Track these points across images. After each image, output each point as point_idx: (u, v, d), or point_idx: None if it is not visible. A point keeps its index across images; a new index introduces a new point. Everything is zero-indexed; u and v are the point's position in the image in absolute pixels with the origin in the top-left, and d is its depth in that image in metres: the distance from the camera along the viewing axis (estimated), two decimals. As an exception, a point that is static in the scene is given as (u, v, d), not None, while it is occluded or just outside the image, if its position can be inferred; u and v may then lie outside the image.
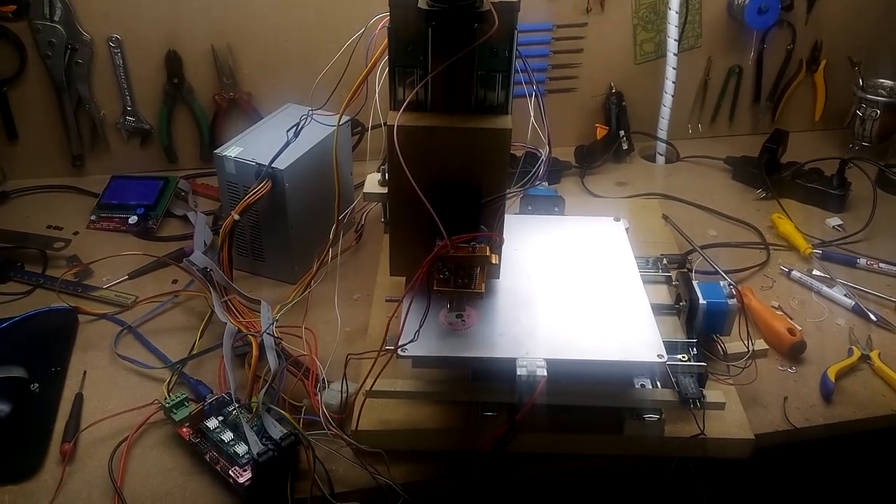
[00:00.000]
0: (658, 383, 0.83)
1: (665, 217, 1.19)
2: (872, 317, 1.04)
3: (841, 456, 0.99)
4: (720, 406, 0.81)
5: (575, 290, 0.88)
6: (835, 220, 1.25)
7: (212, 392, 0.87)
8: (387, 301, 0.95)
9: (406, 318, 0.75)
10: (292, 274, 1.06)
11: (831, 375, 0.93)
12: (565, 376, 0.77)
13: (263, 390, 0.81)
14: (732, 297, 0.89)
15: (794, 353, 0.97)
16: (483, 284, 0.76)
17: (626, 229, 0.99)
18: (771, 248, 1.18)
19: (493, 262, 0.74)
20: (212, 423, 0.82)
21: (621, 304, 0.86)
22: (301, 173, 1.01)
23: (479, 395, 0.81)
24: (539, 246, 0.95)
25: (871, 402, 0.92)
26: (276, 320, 0.89)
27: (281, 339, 0.89)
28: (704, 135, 1.49)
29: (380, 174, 0.83)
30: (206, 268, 0.95)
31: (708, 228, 1.23)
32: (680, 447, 0.82)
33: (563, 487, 0.91)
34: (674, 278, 0.96)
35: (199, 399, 0.86)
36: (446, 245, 0.72)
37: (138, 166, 1.30)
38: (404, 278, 0.87)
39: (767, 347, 0.97)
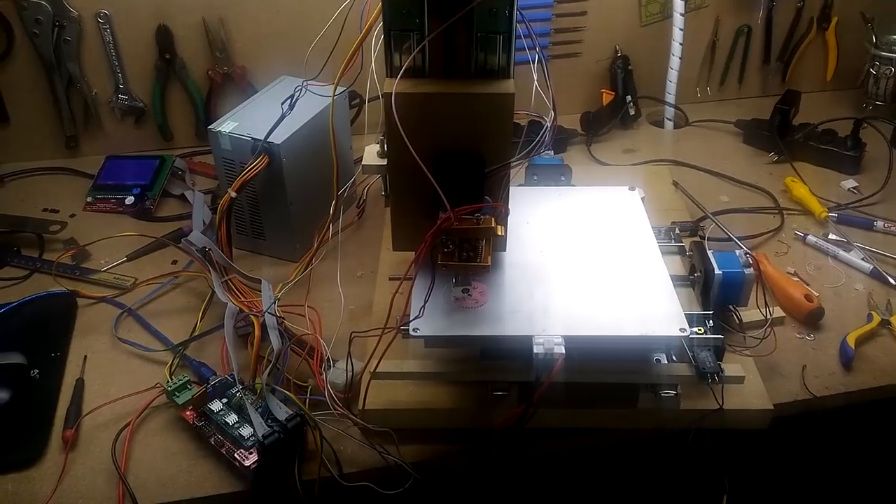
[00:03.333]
0: (674, 357, 0.80)
1: (675, 184, 1.16)
2: (892, 280, 1.01)
3: (860, 423, 0.96)
4: (739, 380, 0.79)
5: (590, 264, 0.85)
6: (850, 183, 1.22)
7: (215, 374, 0.85)
8: (390, 280, 0.92)
9: (411, 294, 0.72)
10: (293, 252, 1.03)
11: (851, 342, 0.90)
12: (581, 353, 0.74)
13: (267, 371, 0.79)
14: (749, 266, 0.86)
15: (811, 319, 0.95)
16: (489, 257, 0.74)
17: (642, 199, 0.96)
18: (785, 212, 1.15)
19: (499, 233, 0.72)
20: (215, 405, 0.80)
21: (639, 276, 0.83)
22: (298, 147, 0.98)
23: (490, 375, 0.78)
24: (551, 218, 0.93)
25: (892, 369, 0.90)
26: (278, 299, 0.87)
27: (283, 318, 0.87)
28: (713, 98, 1.44)
29: (378, 145, 0.80)
30: (206, 247, 0.92)
31: (720, 194, 1.19)
32: (697, 420, 0.79)
33: (576, 462, 0.89)
34: (688, 248, 0.92)
35: (202, 381, 0.84)
36: (449, 217, 0.69)
37: (133, 146, 1.27)
38: (411, 255, 0.84)
39: (784, 315, 0.95)
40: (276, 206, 1.00)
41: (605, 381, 0.78)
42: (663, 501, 1.00)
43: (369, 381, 0.77)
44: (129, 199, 1.15)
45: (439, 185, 0.68)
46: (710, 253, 0.87)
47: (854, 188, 1.21)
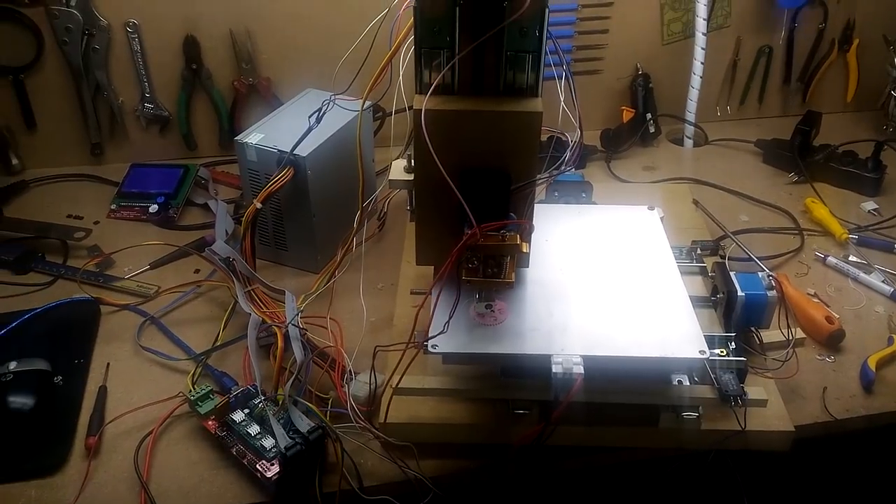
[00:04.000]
0: (696, 379, 0.80)
1: (695, 202, 1.16)
2: (913, 303, 1.01)
3: (881, 446, 0.96)
4: (762, 403, 0.79)
5: (609, 283, 0.85)
6: (870, 205, 1.21)
7: (237, 384, 0.86)
8: (412, 293, 0.92)
9: (435, 309, 0.73)
10: (315, 263, 1.04)
11: (872, 365, 0.90)
12: (600, 372, 0.75)
13: (290, 382, 0.79)
14: (772, 288, 0.86)
15: (832, 342, 0.94)
16: (513, 274, 0.74)
17: (661, 218, 0.96)
18: (805, 233, 1.15)
19: (524, 250, 0.72)
20: (238, 415, 0.80)
21: (658, 296, 0.83)
22: (323, 160, 0.99)
23: (511, 393, 0.79)
24: (570, 236, 0.93)
25: (912, 396, 0.89)
26: (302, 311, 0.88)
27: (306, 329, 0.87)
28: (733, 117, 1.45)
29: (405, 160, 0.81)
30: (229, 257, 0.93)
31: (739, 214, 1.19)
32: (719, 442, 0.79)
33: (595, 481, 0.89)
34: (710, 269, 0.92)
35: (225, 391, 0.84)
36: (475, 233, 0.70)
37: (157, 154, 1.29)
38: (431, 268, 0.85)
39: (804, 336, 0.95)
40: (300, 218, 1.01)
41: (624, 401, 0.78)
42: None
43: (391, 396, 0.77)
44: (153, 208, 1.16)
45: (465, 201, 0.69)
46: (732, 274, 0.87)
47: (874, 210, 1.20)
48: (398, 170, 0.82)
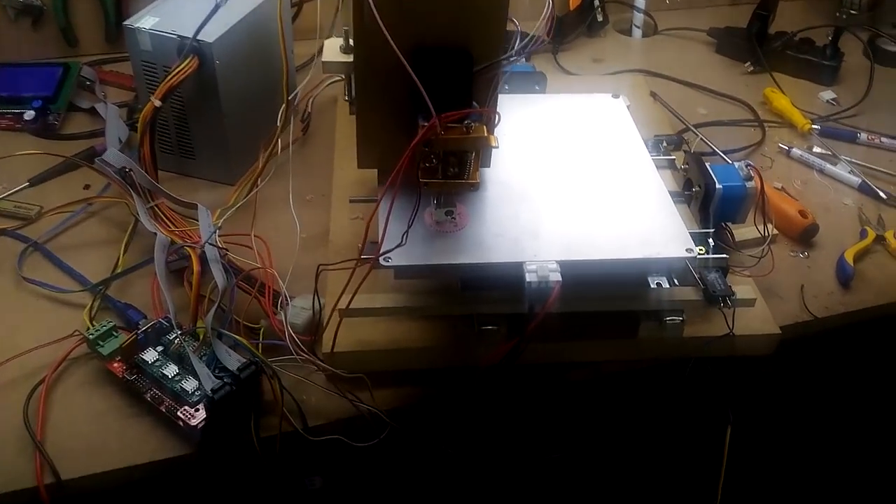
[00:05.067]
0: (675, 281, 0.72)
1: (653, 94, 1.06)
2: (882, 194, 0.95)
3: (859, 343, 0.92)
4: (750, 303, 0.72)
5: (578, 179, 0.75)
6: (828, 94, 1.15)
7: (145, 317, 0.72)
8: (351, 202, 0.79)
9: (389, 218, 0.60)
10: (228, 173, 0.89)
11: (850, 259, 0.84)
12: (574, 279, 0.65)
13: (211, 312, 0.66)
14: (750, 179, 0.78)
15: (805, 237, 0.88)
16: (477, 174, 0.62)
17: (628, 106, 0.86)
18: (766, 125, 1.08)
19: (493, 144, 0.60)
20: (149, 355, 0.67)
21: (634, 192, 0.74)
22: (234, 47, 0.83)
23: (475, 307, 0.68)
24: (530, 129, 0.82)
25: (890, 286, 0.84)
26: (219, 228, 0.74)
27: (227, 249, 0.74)
28: (683, 6, 1.34)
29: (342, 39, 0.66)
30: (125, 168, 0.77)
31: (696, 107, 1.10)
32: (701, 348, 0.72)
33: (569, 400, 0.81)
34: (681, 161, 0.83)
35: (131, 326, 0.71)
36: (434, 125, 0.57)
37: (31, 52, 1.08)
38: (373, 173, 0.73)
39: (777, 233, 0.88)
40: (209, 119, 0.85)
41: (604, 309, 0.69)
42: (665, 437, 0.94)
43: (340, 321, 0.65)
44: (29, 114, 0.96)
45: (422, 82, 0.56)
46: (708, 166, 0.79)
47: (833, 100, 1.14)
48: (332, 50, 0.67)
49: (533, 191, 0.73)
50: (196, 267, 0.69)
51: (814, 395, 0.99)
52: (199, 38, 0.79)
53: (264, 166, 0.76)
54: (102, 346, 0.67)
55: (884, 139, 1.05)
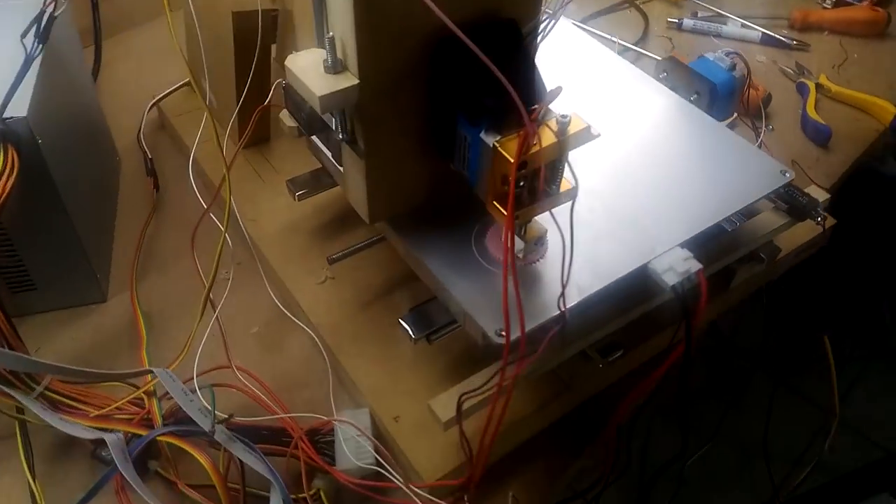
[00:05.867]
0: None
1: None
2: (785, 40, 0.92)
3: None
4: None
5: (619, 144, 0.59)
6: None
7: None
8: (332, 261, 0.56)
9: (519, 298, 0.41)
10: (94, 284, 0.61)
11: (816, 116, 0.80)
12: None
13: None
14: (734, 67, 0.69)
15: (759, 110, 0.82)
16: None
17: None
18: (639, 3, 0.99)
19: (596, 133, 0.43)
20: None
21: (689, 136, 0.60)
22: (49, 113, 0.53)
23: (587, 338, 0.52)
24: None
25: (857, 133, 0.82)
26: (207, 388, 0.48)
27: (233, 413, 0.48)
28: None
29: (326, 51, 0.42)
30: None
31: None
32: (788, 263, 0.63)
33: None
34: (660, 70, 0.71)
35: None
36: (529, 133, 0.38)
37: None
38: (308, 205, 0.53)
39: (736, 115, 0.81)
40: (47, 225, 0.56)
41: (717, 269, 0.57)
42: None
43: (462, 435, 0.45)
44: None
45: (458, 84, 0.36)
46: (692, 66, 0.68)
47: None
48: (316, 74, 0.42)
49: (582, 175, 0.56)
50: (207, 462, 0.44)
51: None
52: (5, 116, 0.48)
53: (214, 276, 0.50)
54: None
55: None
